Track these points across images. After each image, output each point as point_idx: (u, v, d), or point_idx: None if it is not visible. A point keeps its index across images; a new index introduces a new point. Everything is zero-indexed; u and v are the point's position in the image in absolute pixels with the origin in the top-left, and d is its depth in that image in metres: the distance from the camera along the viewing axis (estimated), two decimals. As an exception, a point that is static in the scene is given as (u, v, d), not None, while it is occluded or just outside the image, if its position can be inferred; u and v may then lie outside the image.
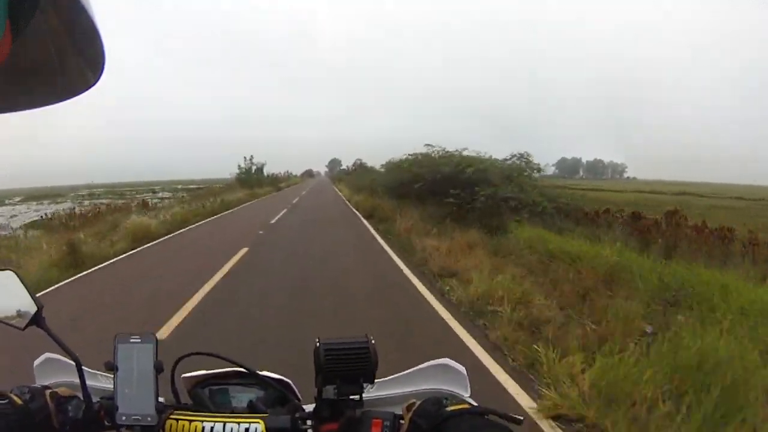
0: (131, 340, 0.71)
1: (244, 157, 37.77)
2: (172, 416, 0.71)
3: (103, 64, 0.32)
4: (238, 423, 0.70)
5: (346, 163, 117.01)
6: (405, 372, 0.79)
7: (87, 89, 0.34)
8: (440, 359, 0.78)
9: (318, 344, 0.71)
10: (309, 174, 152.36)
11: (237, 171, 41.30)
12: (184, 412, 0.72)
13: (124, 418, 0.68)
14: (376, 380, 0.74)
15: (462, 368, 0.78)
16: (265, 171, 43.99)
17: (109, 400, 0.72)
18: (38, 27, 0.26)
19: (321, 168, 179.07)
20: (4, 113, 0.33)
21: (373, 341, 0.72)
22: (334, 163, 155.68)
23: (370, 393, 0.75)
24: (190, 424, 0.70)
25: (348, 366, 0.70)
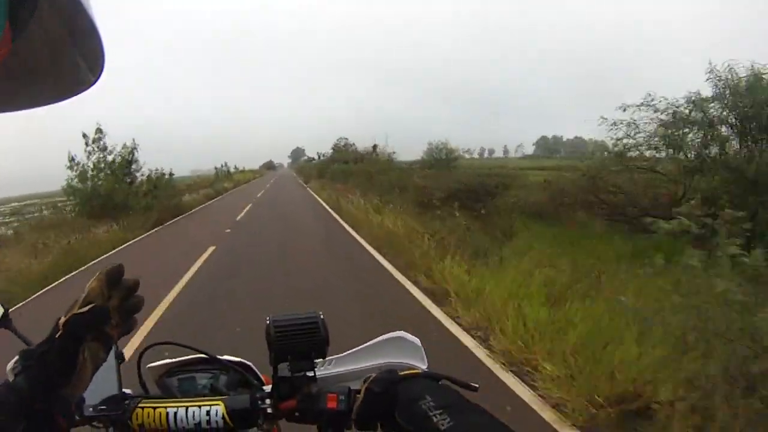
0: None
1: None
2: (138, 405, 0.72)
3: (103, 63, 0.32)
4: (200, 406, 0.71)
5: (310, 152, 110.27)
6: (360, 347, 0.79)
7: (87, 89, 0.34)
8: (395, 332, 0.79)
9: (268, 321, 0.71)
10: (269, 166, 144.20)
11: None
12: (149, 401, 0.74)
13: (91, 409, 0.70)
14: (332, 357, 0.77)
15: (417, 340, 0.78)
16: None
17: None
18: (38, 27, 0.26)
19: (284, 159, 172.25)
20: (4, 113, 0.33)
21: (323, 316, 0.72)
22: (297, 153, 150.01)
23: (327, 370, 0.77)
24: (155, 411, 0.71)
25: (299, 341, 0.71)
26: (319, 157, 52.51)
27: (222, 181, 39.07)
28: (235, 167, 71.77)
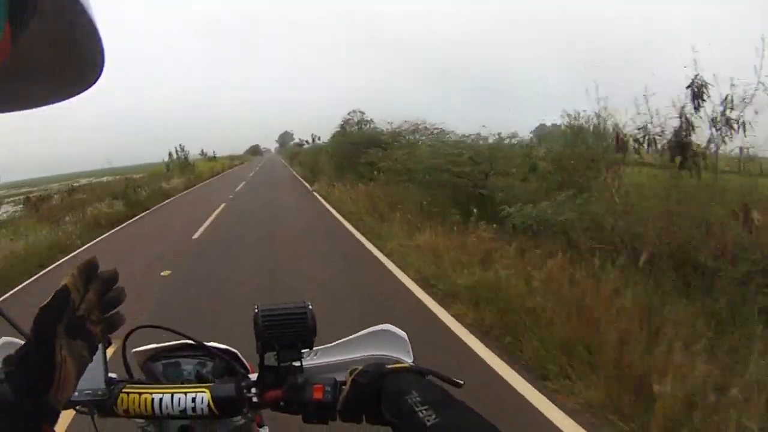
0: None
1: None
2: (123, 390, 0.72)
3: (103, 63, 0.32)
4: (185, 393, 0.71)
5: (299, 136, 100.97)
6: (346, 339, 0.80)
7: (87, 88, 0.34)
8: (381, 325, 0.79)
9: (257, 310, 0.72)
10: (255, 151, 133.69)
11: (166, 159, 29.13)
12: (134, 386, 0.74)
13: (76, 394, 0.66)
14: (318, 348, 0.77)
15: (403, 334, 0.79)
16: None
17: None
18: (38, 27, 0.26)
19: (271, 144, 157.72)
20: (4, 113, 0.33)
21: (311, 307, 0.72)
22: (285, 137, 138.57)
23: (313, 360, 0.78)
24: (140, 397, 0.71)
25: (286, 331, 0.71)
26: (313, 140, 44.05)
27: (172, 176, 25.39)
28: (203, 153, 55.06)
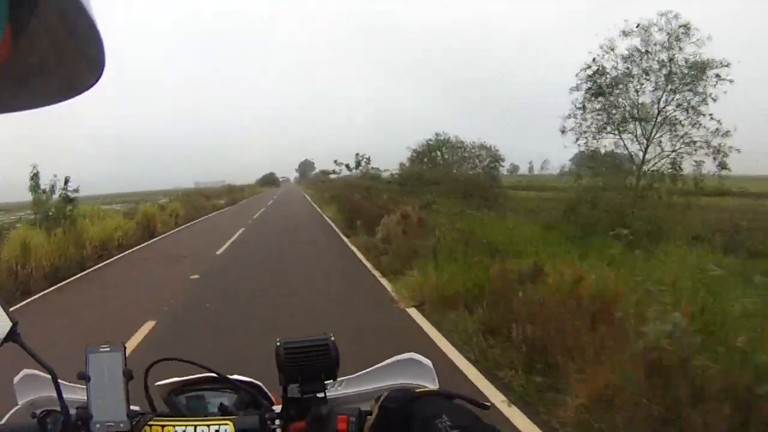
0: (101, 350, 0.73)
1: None
2: (148, 423, 0.72)
3: (103, 64, 0.32)
4: (208, 426, 0.71)
5: (320, 165, 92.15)
6: (371, 368, 0.79)
7: (87, 89, 0.34)
8: (406, 354, 0.79)
9: (278, 343, 0.72)
10: (270, 181, 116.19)
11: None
12: (158, 419, 0.73)
13: (98, 426, 0.69)
14: (343, 378, 0.79)
15: (428, 362, 0.78)
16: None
17: (85, 409, 0.72)
18: (38, 27, 0.26)
19: (290, 173, 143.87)
20: (4, 113, 0.33)
21: (333, 338, 0.73)
22: (305, 167, 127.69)
23: (337, 390, 0.78)
24: (163, 429, 0.71)
25: (309, 363, 0.72)
26: (348, 168, 33.52)
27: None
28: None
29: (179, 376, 0.85)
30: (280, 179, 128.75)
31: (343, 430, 0.69)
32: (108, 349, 0.73)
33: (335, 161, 35.38)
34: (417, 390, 0.67)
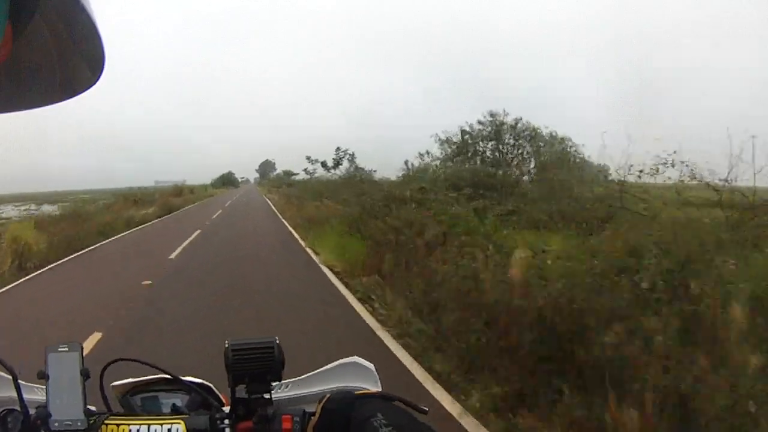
0: (59, 350, 0.74)
1: None
2: (104, 422, 0.74)
3: (103, 63, 0.32)
4: (161, 425, 0.73)
5: (282, 166, 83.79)
6: (315, 371, 0.82)
7: (87, 89, 0.34)
8: (349, 358, 0.83)
9: (227, 345, 0.74)
10: (229, 181, 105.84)
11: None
12: (113, 418, 0.75)
13: (57, 424, 0.71)
14: (289, 380, 0.82)
15: (371, 365, 0.82)
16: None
17: (44, 408, 0.74)
18: (38, 27, 0.26)
19: (251, 174, 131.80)
20: (4, 113, 0.33)
21: (278, 341, 0.75)
22: (266, 167, 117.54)
23: (283, 392, 0.81)
24: (118, 428, 0.73)
25: (255, 365, 0.74)
26: (325, 167, 26.57)
27: None
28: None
29: (134, 377, 0.87)
30: (240, 180, 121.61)
31: (288, 430, 0.73)
32: (66, 348, 0.74)
33: (308, 158, 26.46)
34: (357, 392, 0.72)
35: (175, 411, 0.82)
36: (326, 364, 0.86)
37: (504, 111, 17.74)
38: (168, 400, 0.85)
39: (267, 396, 0.76)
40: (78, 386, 0.73)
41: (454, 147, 17.68)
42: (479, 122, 17.90)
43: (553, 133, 17.60)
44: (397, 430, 0.59)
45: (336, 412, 0.68)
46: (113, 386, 0.86)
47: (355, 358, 0.83)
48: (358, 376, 0.82)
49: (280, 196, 33.34)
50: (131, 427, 0.74)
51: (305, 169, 28.43)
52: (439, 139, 18.35)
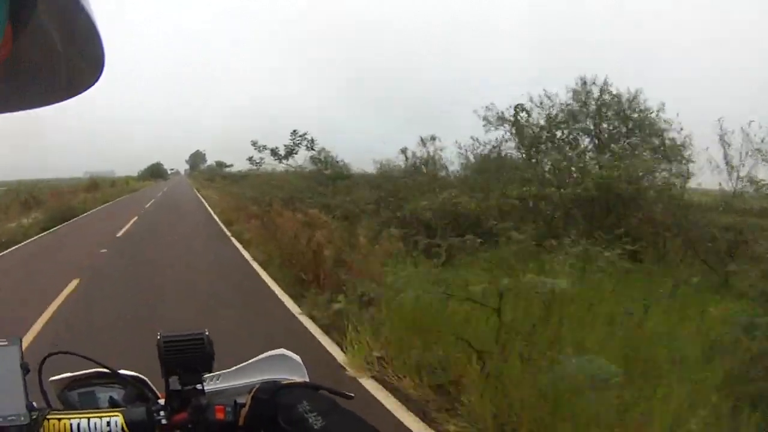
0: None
1: None
2: (45, 417, 0.74)
3: (103, 63, 0.32)
4: (101, 418, 0.75)
5: (213, 158, 78.65)
6: (244, 364, 0.84)
7: (87, 89, 0.34)
8: (276, 350, 0.85)
9: (159, 337, 0.77)
10: (157, 173, 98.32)
11: None
12: (54, 413, 0.76)
13: (0, 420, 0.71)
14: (219, 372, 0.83)
15: (298, 357, 0.86)
16: None
17: None
18: (38, 27, 0.26)
19: (181, 165, 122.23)
20: (4, 113, 0.33)
21: (207, 333, 0.79)
22: (196, 158, 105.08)
23: (215, 384, 0.83)
24: (59, 422, 0.74)
25: (186, 357, 0.77)
26: (276, 155, 19.41)
27: None
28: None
29: (72, 371, 0.87)
30: (169, 171, 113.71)
31: (221, 419, 0.75)
32: (5, 343, 0.74)
33: (254, 143, 20.53)
34: (285, 382, 0.76)
35: (113, 404, 0.83)
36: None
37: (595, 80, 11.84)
38: (105, 393, 0.86)
39: (199, 387, 0.79)
40: (19, 381, 0.72)
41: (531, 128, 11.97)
42: (583, 83, 11.77)
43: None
44: (321, 415, 0.64)
45: (265, 402, 0.72)
46: (51, 381, 0.86)
47: (282, 351, 0.85)
48: (286, 367, 0.84)
49: (218, 193, 26.49)
50: (72, 421, 0.74)
51: (250, 158, 22.06)
52: (488, 118, 12.40)
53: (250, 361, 0.84)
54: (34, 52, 0.28)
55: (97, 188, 31.68)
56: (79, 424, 0.74)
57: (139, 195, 35.10)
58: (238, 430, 0.74)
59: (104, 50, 0.30)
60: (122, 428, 0.74)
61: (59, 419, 0.74)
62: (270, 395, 0.72)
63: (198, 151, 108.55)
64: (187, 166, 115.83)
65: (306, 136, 18.87)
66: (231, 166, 32.77)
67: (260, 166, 22.92)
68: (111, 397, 0.84)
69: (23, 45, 0.25)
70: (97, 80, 0.33)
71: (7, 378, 0.72)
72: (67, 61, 0.30)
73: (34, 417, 0.73)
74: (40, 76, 0.30)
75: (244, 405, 0.75)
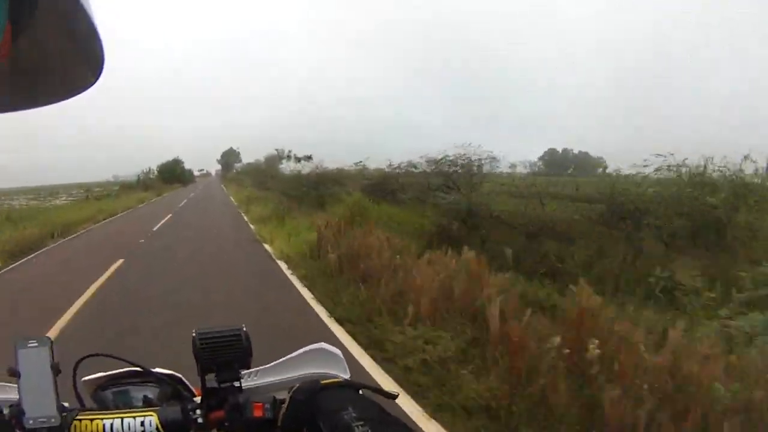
0: (29, 345, 0.73)
1: None
2: (76, 418, 0.73)
3: (103, 63, 0.32)
4: (134, 417, 0.73)
5: (248, 158, 69.78)
6: (283, 359, 0.82)
7: (87, 88, 0.34)
8: (316, 344, 0.83)
9: (194, 334, 0.75)
10: (173, 175, 60.84)
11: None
12: (86, 413, 0.75)
13: (31, 422, 0.70)
14: (257, 368, 0.81)
15: (338, 351, 0.83)
16: None
17: (18, 407, 0.73)
18: (38, 27, 0.26)
19: (212, 166, 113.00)
20: (4, 113, 0.33)
21: (245, 328, 0.76)
22: (229, 157, 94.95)
23: (253, 381, 0.81)
24: (92, 423, 0.73)
25: (223, 353, 0.75)
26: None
27: None
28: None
29: (105, 371, 0.87)
30: (197, 173, 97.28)
31: (260, 417, 0.73)
32: (36, 344, 0.73)
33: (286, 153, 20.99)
34: (323, 381, 0.72)
35: (147, 403, 0.81)
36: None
37: None
38: (139, 393, 0.84)
39: (237, 384, 0.76)
40: (50, 382, 0.71)
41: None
42: None
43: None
44: (369, 425, 0.59)
45: (303, 403, 0.68)
46: (84, 381, 0.85)
47: (322, 345, 0.83)
48: (325, 362, 0.82)
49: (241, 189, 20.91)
50: (105, 421, 0.73)
51: (296, 158, 22.44)
52: None
53: (289, 355, 0.82)
54: (34, 52, 0.28)
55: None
56: (112, 424, 0.72)
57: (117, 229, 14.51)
58: (276, 430, 0.71)
59: (104, 50, 0.31)
60: (157, 428, 0.72)
61: (91, 420, 0.73)
62: (310, 395, 0.68)
63: (231, 148, 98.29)
64: (218, 167, 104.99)
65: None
66: (303, 159, 25.01)
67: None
68: (145, 396, 0.82)
69: (23, 45, 0.25)
70: (96, 80, 0.33)
71: (38, 379, 0.71)
72: (67, 61, 0.30)
73: (65, 418, 0.71)
74: (40, 76, 0.30)
75: (283, 402, 0.72)
